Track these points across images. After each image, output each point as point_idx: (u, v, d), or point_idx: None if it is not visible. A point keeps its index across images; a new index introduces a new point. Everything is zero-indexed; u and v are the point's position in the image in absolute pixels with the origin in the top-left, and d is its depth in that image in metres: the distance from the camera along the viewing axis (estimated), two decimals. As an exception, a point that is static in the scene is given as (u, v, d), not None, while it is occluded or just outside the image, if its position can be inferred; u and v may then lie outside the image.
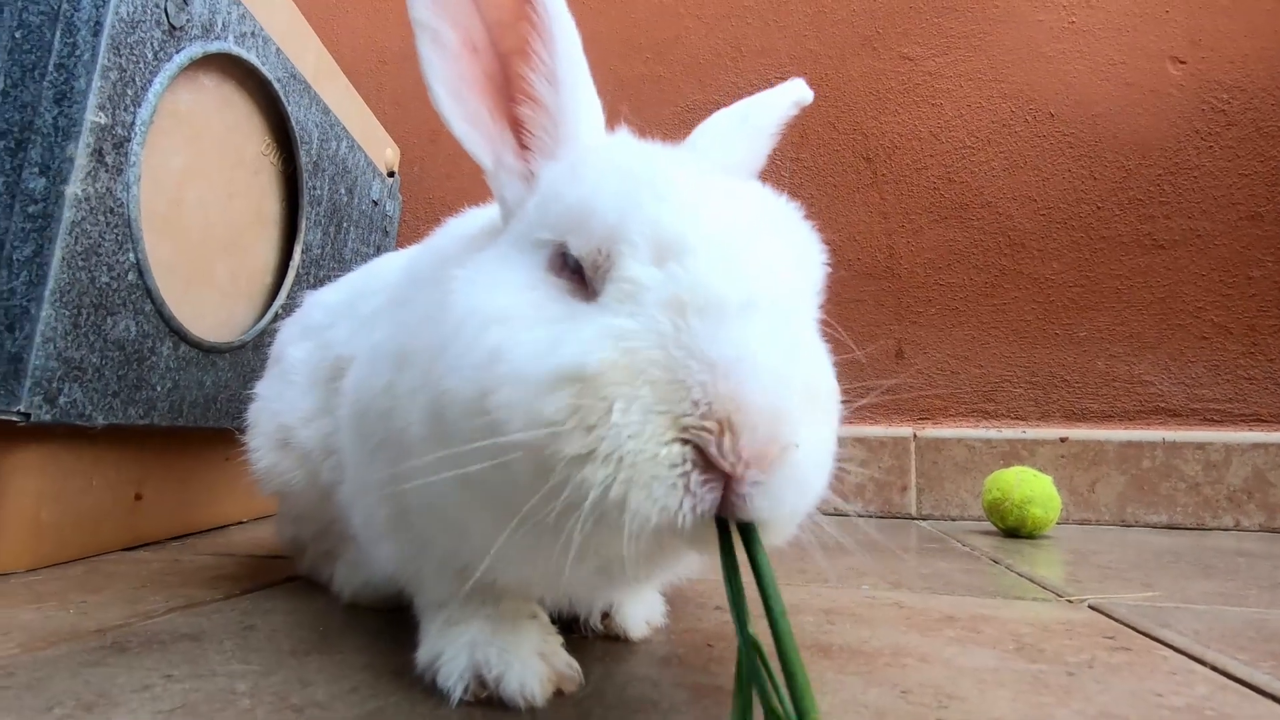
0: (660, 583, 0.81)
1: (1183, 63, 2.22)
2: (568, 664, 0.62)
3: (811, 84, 0.82)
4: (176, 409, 1.34)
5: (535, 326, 0.50)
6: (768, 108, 0.77)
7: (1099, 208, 2.22)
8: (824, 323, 0.57)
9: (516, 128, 0.63)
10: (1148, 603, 1.02)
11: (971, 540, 1.68)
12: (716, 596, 0.99)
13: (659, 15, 2.53)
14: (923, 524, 2.02)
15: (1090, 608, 0.99)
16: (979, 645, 0.79)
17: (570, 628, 0.77)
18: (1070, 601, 1.03)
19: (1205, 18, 2.21)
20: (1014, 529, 1.73)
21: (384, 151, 2.34)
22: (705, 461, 0.44)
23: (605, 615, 0.78)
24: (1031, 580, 1.19)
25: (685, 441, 0.44)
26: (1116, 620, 0.92)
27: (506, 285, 0.54)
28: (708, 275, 0.47)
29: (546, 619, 0.68)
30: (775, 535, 0.49)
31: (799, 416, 0.46)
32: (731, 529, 0.47)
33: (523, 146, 0.63)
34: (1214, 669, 0.72)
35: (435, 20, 0.59)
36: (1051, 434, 2.12)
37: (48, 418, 1.05)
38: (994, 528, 1.84)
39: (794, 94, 0.78)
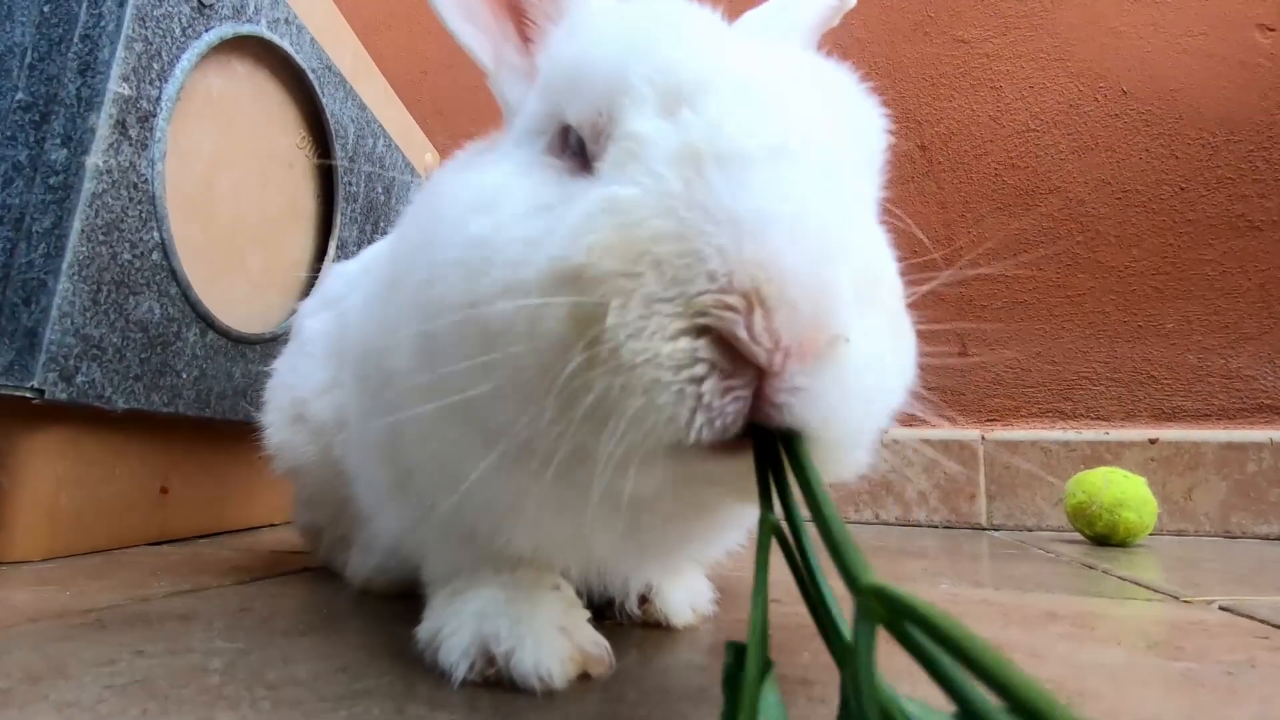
0: (704, 561, 0.70)
1: (1272, 30, 2.04)
2: (594, 642, 0.50)
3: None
4: (203, 399, 1.30)
5: (525, 216, 0.40)
6: (807, 3, 0.67)
7: (1183, 189, 2.04)
8: (886, 208, 0.46)
9: (518, 18, 0.55)
10: (1294, 605, 0.85)
11: (1054, 547, 1.50)
12: (774, 588, 0.87)
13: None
14: (994, 534, 1.84)
15: (1222, 609, 0.83)
16: (1098, 642, 0.65)
17: (603, 614, 0.66)
18: (1190, 603, 0.87)
19: (1296, -20, 2.03)
20: (1103, 536, 1.55)
21: (423, 156, 2.32)
22: (731, 357, 0.33)
23: (644, 600, 0.66)
24: (1138, 584, 1.03)
25: (702, 331, 0.33)
26: (1262, 621, 0.76)
27: (496, 172, 0.45)
28: (729, 118, 0.36)
29: (571, 592, 0.57)
30: (832, 459, 0.37)
31: (852, 299, 0.34)
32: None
33: (525, 40, 0.55)
34: None
35: None
36: (1139, 435, 1.92)
37: (63, 397, 1.01)
38: (1078, 535, 1.65)
39: None
